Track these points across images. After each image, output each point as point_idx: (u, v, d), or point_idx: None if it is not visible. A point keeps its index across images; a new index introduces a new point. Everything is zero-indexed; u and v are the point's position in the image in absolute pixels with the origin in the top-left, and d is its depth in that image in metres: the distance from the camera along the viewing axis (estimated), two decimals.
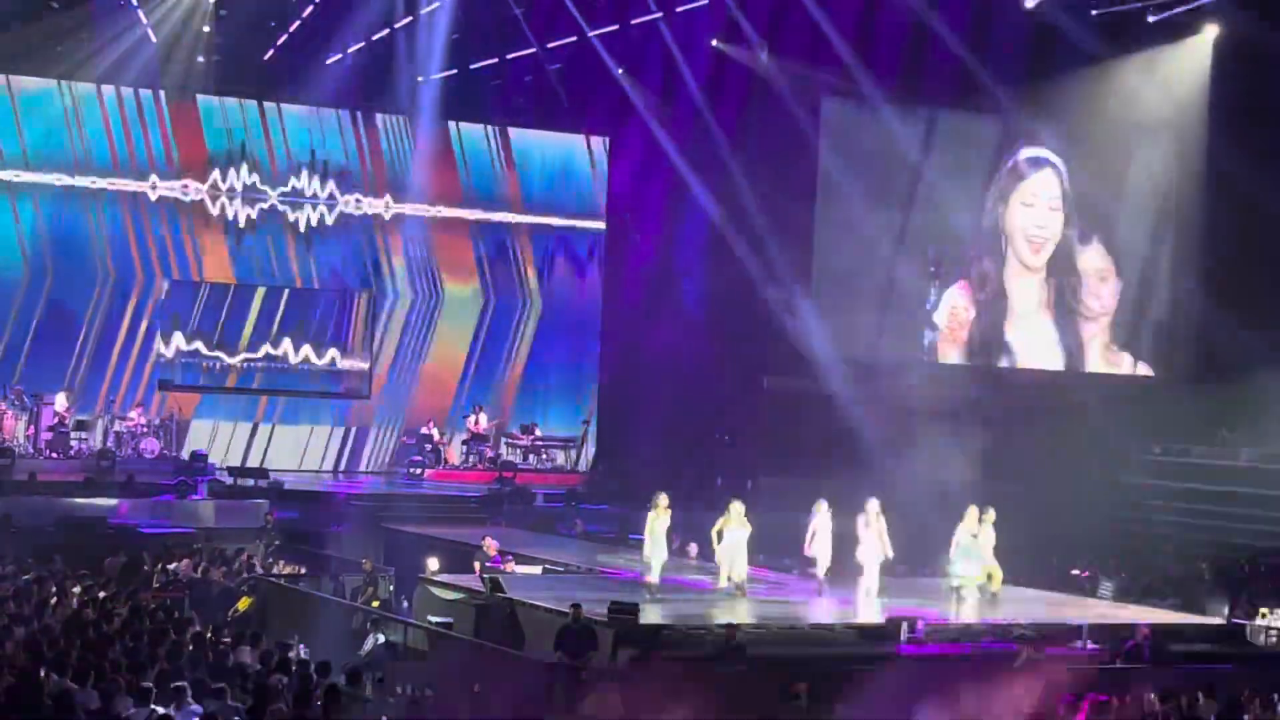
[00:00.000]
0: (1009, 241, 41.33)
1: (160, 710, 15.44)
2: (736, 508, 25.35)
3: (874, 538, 25.84)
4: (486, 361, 41.45)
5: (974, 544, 25.94)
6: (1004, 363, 41.43)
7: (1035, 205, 41.50)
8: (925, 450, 35.82)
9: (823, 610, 25.25)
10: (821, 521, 25.90)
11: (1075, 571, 31.88)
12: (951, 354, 41.15)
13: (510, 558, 27.89)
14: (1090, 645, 23.80)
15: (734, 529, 25.10)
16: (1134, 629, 23.80)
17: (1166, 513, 37.39)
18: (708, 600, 25.11)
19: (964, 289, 41.00)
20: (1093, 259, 41.78)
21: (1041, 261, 41.56)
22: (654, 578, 25.28)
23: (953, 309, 40.84)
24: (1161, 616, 26.63)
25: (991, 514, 26.22)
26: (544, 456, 40.29)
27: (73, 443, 35.53)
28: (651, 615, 23.04)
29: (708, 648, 21.69)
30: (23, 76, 37.01)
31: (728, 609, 24.35)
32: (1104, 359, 42.05)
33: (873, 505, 26.04)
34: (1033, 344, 41.66)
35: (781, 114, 38.39)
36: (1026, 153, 41.31)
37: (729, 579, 25.20)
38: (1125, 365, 42.20)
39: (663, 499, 25.44)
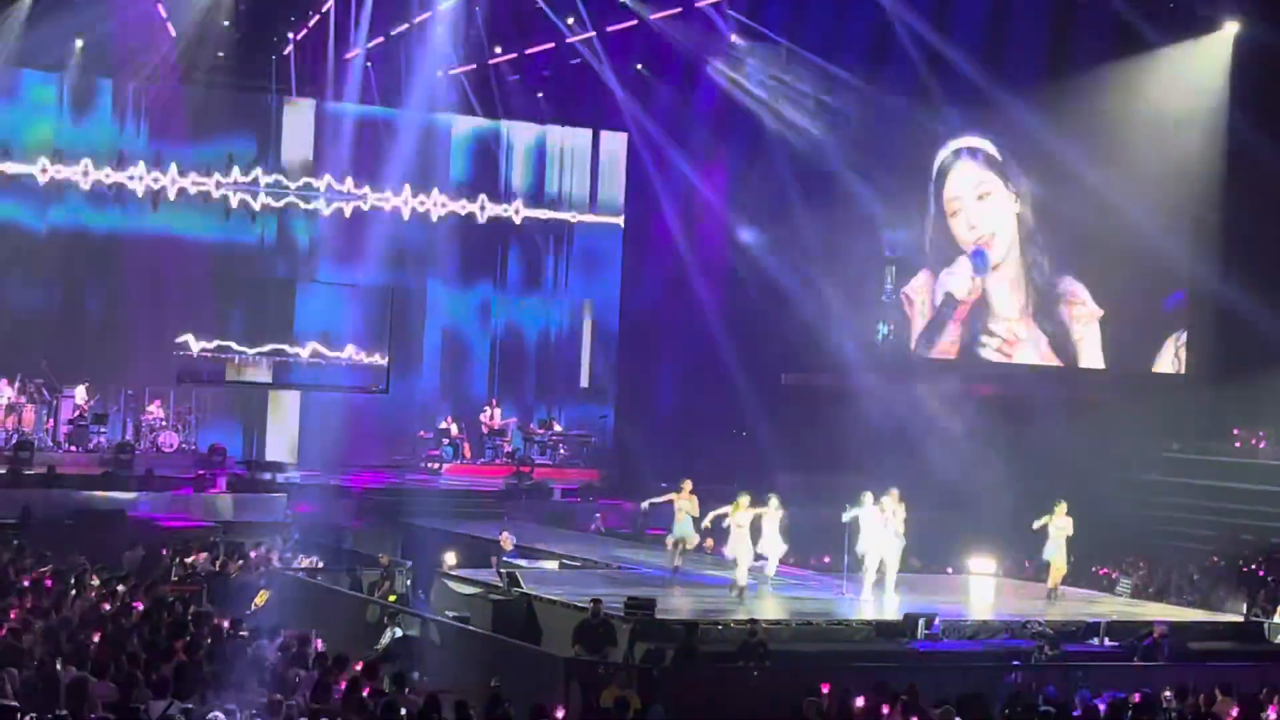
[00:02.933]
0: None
1: (179, 703, 15.47)
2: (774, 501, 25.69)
3: (883, 530, 25.78)
4: (503, 357, 41.47)
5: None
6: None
7: (961, 209, 41.03)
8: (941, 446, 35.82)
9: (842, 607, 25.22)
10: (866, 516, 25.78)
11: (1093, 569, 31.86)
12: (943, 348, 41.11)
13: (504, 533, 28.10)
14: (1108, 642, 23.78)
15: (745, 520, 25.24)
16: (1151, 626, 23.78)
17: (1184, 510, 37.29)
18: (729, 595, 25.07)
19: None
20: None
21: (1000, 256, 41.34)
22: (678, 560, 25.98)
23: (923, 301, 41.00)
24: (1179, 614, 26.61)
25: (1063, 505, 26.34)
26: (561, 451, 40.29)
27: (91, 436, 35.63)
28: (669, 611, 23.04)
29: (730, 644, 21.69)
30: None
31: (748, 605, 24.37)
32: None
33: (869, 498, 26.00)
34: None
35: (797, 109, 38.43)
36: (943, 152, 40.87)
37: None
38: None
39: (686, 484, 26.15)
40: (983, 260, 40.64)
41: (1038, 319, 41.03)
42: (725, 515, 25.34)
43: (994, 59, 37.39)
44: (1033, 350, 41.29)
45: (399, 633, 23.11)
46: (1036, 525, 26.47)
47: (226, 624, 20.77)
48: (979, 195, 40.92)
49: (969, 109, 39.86)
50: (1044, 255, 41.10)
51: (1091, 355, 41.46)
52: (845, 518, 25.68)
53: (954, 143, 40.63)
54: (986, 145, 40.69)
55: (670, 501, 26.42)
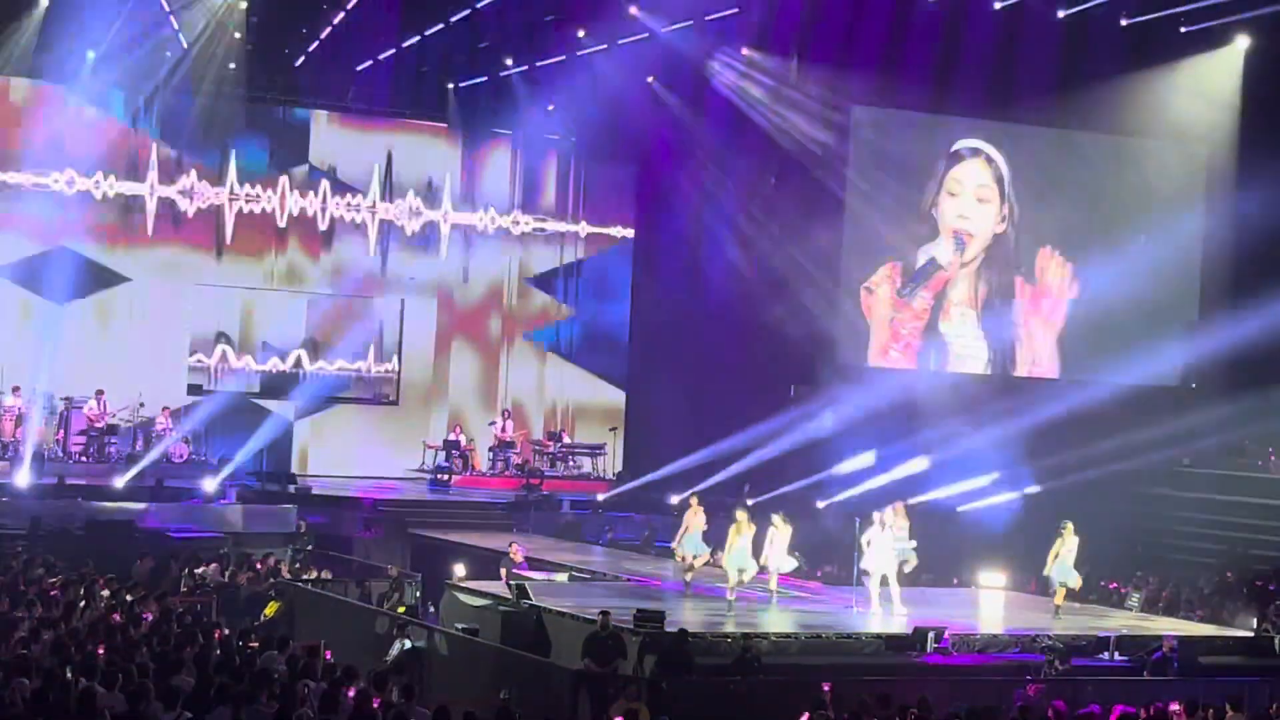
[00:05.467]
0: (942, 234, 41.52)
1: (189, 714, 15.48)
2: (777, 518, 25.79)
3: (889, 544, 25.78)
4: (515, 369, 41.46)
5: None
6: (935, 363, 41.33)
7: (960, 195, 41.36)
8: (952, 460, 35.80)
9: (851, 620, 25.22)
10: (875, 533, 25.80)
11: (1103, 582, 31.82)
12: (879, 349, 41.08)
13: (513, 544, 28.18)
14: (1118, 657, 23.75)
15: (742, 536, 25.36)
16: (1161, 640, 23.74)
17: (1194, 524, 37.23)
18: (742, 608, 25.08)
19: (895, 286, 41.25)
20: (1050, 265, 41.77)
21: (971, 255, 41.49)
22: (688, 574, 26.09)
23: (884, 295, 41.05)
24: (1189, 628, 26.57)
25: (1069, 526, 26.26)
26: (570, 464, 40.28)
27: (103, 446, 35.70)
28: (678, 624, 23.02)
29: (725, 657, 21.70)
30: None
31: (759, 618, 24.39)
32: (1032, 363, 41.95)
33: (887, 513, 26.05)
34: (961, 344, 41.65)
35: (811, 121, 38.42)
36: (962, 143, 41.25)
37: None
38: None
39: (694, 500, 26.55)
40: (960, 245, 41.00)
41: (983, 324, 41.32)
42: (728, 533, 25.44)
43: (1006, 73, 37.48)
44: (976, 359, 41.50)
45: (408, 644, 23.11)
46: (1052, 554, 26.32)
47: (236, 635, 20.76)
48: (978, 197, 41.14)
49: (981, 123, 40.03)
50: (1006, 272, 41.30)
51: (1025, 367, 41.77)
52: (864, 539, 25.74)
53: (971, 140, 40.85)
54: (998, 157, 40.90)
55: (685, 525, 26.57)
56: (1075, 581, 26.41)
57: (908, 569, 26.16)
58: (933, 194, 40.71)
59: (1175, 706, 19.21)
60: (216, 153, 38.56)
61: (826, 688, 18.66)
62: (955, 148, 40.85)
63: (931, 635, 22.86)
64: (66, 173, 37.10)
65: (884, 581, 25.68)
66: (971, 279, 41.25)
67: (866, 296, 40.27)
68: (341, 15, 36.93)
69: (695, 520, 26.34)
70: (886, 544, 25.67)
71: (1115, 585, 31.80)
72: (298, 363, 39.39)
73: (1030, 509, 34.62)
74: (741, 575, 25.20)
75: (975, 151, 41.14)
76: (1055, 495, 34.08)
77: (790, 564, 25.80)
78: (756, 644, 21.88)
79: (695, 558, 26.46)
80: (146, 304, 37.95)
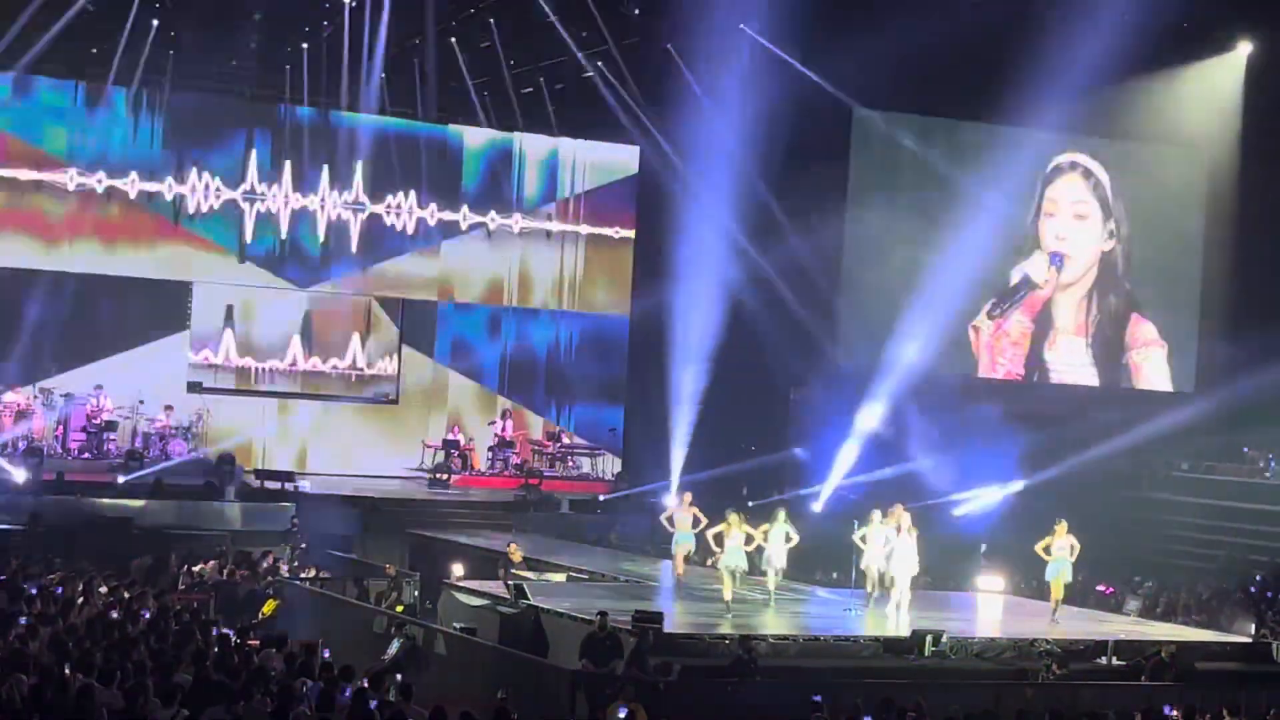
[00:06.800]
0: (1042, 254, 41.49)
1: (186, 711, 15.47)
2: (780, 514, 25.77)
3: (896, 546, 25.79)
4: (514, 368, 41.47)
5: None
6: (1037, 378, 41.36)
7: (1056, 214, 41.39)
8: (954, 464, 35.81)
9: (849, 623, 25.24)
10: (873, 533, 25.84)
11: (1100, 588, 31.83)
12: (986, 369, 41.17)
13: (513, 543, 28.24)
14: (1115, 662, 23.75)
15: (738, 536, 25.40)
16: (1159, 646, 23.74)
17: (1193, 530, 37.27)
18: (740, 609, 25.10)
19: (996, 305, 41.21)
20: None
21: (1074, 276, 41.44)
22: (679, 569, 26.28)
23: (987, 324, 41.00)
24: (1186, 634, 26.58)
25: (1064, 524, 26.27)
26: (570, 464, 40.28)
27: (102, 443, 35.69)
28: (676, 624, 23.06)
29: (722, 659, 21.71)
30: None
31: (757, 619, 24.40)
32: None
33: (876, 515, 26.07)
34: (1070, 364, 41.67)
35: (813, 124, 38.41)
36: (1057, 159, 41.26)
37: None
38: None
39: (686, 495, 26.76)
40: (1059, 262, 40.92)
41: (1094, 347, 41.26)
42: (720, 533, 25.42)
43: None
44: (1080, 373, 41.45)
45: (405, 643, 23.11)
46: (1039, 547, 26.41)
47: (234, 633, 20.76)
48: (1075, 214, 41.11)
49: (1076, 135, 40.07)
50: (1118, 295, 41.27)
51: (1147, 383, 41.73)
52: (855, 536, 25.79)
53: (1069, 154, 40.92)
54: (1097, 168, 40.88)
55: (671, 516, 26.70)
56: (1067, 578, 26.35)
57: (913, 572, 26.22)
58: (1032, 216, 40.83)
59: (1172, 712, 19.24)
60: (218, 149, 38.58)
61: (819, 699, 18.63)
62: (1054, 163, 40.84)
63: (930, 638, 22.85)
64: (69, 170, 37.23)
65: (883, 582, 25.71)
66: (1082, 304, 41.26)
67: (974, 334, 40.56)
68: (345, 14, 36.96)
69: (685, 515, 26.37)
70: (885, 545, 25.68)
71: (1113, 590, 31.81)
72: (298, 359, 39.37)
73: (1030, 512, 34.64)
74: (734, 575, 25.18)
75: (1073, 165, 41.10)
76: (1050, 497, 34.11)
77: (782, 562, 25.74)
78: (754, 646, 21.88)
79: (687, 554, 26.51)
80: (147, 299, 37.97)
